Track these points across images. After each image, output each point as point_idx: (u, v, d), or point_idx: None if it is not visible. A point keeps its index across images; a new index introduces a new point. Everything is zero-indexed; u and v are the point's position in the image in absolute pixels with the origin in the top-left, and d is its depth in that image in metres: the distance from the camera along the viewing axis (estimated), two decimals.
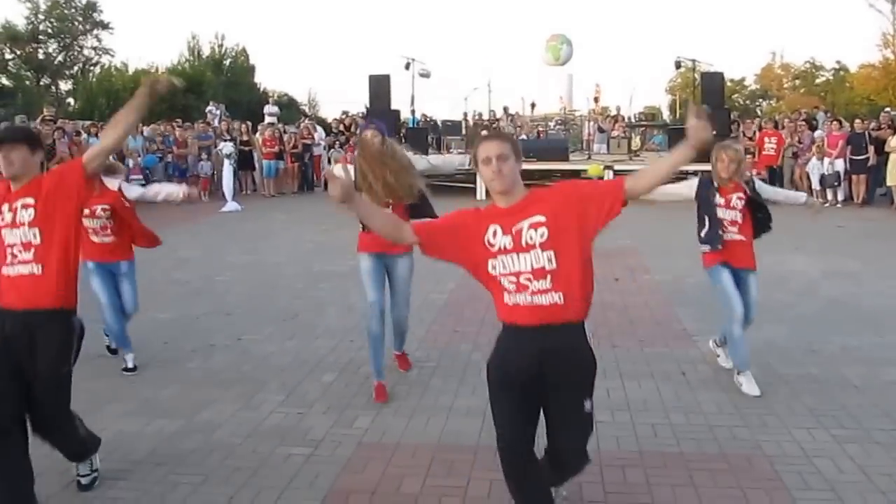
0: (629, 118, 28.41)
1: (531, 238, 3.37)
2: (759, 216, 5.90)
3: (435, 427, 4.97)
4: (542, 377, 3.40)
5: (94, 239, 6.25)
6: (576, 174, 19.46)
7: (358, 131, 6.17)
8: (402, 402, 5.44)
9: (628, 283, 9.34)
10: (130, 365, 6.29)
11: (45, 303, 3.79)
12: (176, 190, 6.58)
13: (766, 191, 6.13)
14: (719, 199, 5.80)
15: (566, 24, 58.29)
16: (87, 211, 6.04)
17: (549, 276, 3.37)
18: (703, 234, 5.86)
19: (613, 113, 28.99)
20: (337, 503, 4.03)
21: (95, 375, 6.04)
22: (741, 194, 5.78)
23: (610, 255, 11.06)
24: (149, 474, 4.35)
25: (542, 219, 3.38)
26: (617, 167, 19.00)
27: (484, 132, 3.45)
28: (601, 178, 18.37)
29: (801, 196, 6.28)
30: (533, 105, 29.99)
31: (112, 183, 6.38)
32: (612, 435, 4.84)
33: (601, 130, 24.98)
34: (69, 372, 3.92)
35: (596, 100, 30.32)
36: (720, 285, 5.79)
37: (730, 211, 5.81)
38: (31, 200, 3.79)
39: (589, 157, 21.40)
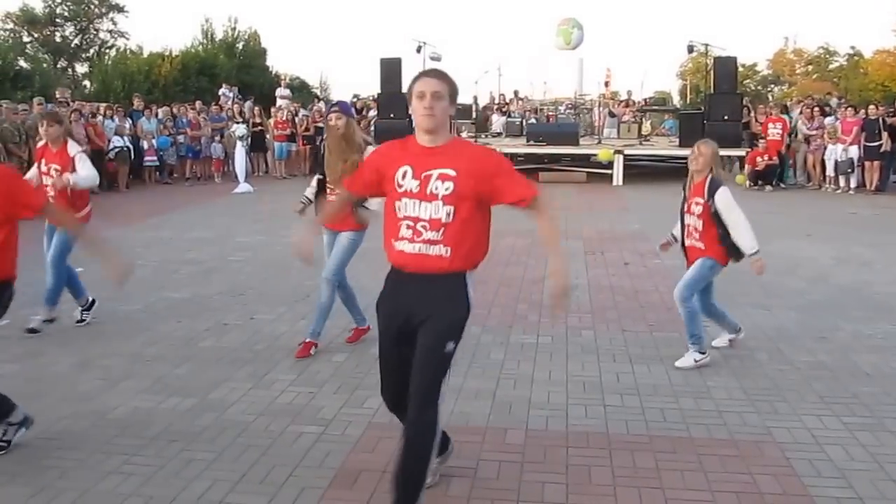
0: (640, 102, 28.29)
1: (436, 189, 3.44)
2: (720, 232, 5.67)
3: (444, 408, 4.95)
4: (414, 318, 3.50)
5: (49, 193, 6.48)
6: (586, 158, 19.41)
7: (325, 114, 6.48)
8: None
9: (638, 267, 9.30)
10: (43, 318, 6.59)
11: None
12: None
13: (725, 213, 5.63)
14: (685, 205, 5.89)
15: (577, 8, 57.90)
16: (44, 168, 6.51)
17: (442, 229, 3.45)
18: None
19: (624, 97, 28.87)
20: (347, 481, 4.03)
21: (110, 354, 6.06)
22: (699, 199, 5.70)
23: (620, 238, 11.05)
24: (163, 451, 4.35)
25: (451, 173, 3.44)
26: (627, 151, 18.94)
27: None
28: (611, 162, 18.34)
29: (749, 247, 5.59)
30: (545, 91, 29.89)
31: (73, 147, 6.61)
32: (621, 419, 4.83)
33: (612, 115, 24.90)
34: None
35: (606, 84, 30.22)
36: None
37: (690, 216, 5.83)
38: None
39: (599, 142, 21.34)
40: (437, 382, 3.49)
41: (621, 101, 27.54)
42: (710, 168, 5.70)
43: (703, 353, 5.80)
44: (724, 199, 5.59)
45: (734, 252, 5.69)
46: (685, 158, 6.32)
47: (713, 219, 5.63)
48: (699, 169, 5.72)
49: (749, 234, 5.56)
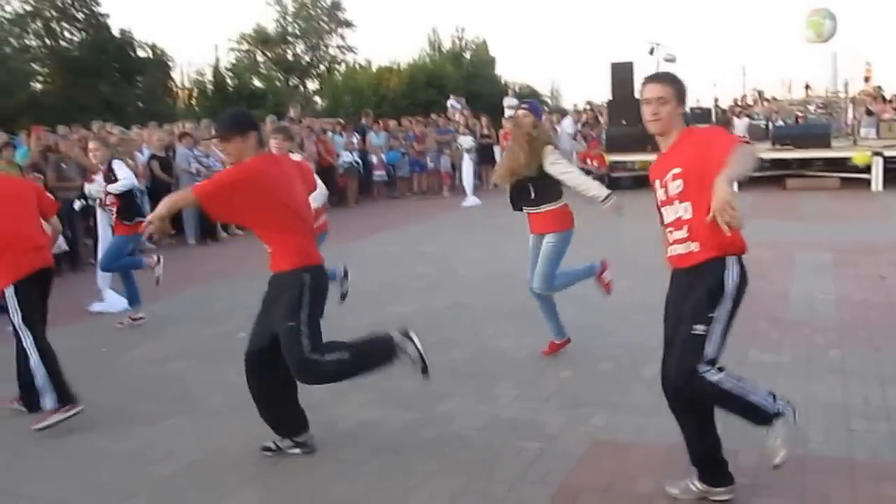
0: None
1: (672, 190, 3.65)
2: None
3: (672, 427, 4.94)
4: None
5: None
6: (840, 162, 18.44)
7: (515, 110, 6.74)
8: (639, 400, 5.48)
9: None
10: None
11: None
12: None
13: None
14: None
15: None
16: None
17: (685, 227, 3.65)
18: None
19: (886, 93, 27.16)
20: (568, 499, 4.16)
21: None
22: None
23: (876, 250, 10.47)
24: (387, 461, 4.69)
25: (678, 170, 3.61)
26: (887, 153, 17.81)
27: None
28: (868, 166, 17.33)
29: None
30: (808, 87, 28.65)
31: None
32: (866, 444, 4.65)
33: (870, 113, 23.48)
34: None
35: (867, 79, 28.57)
36: None
37: None
38: None
39: (854, 143, 20.17)
40: (686, 360, 3.92)
41: (882, 97, 25.92)
42: None
43: None
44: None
45: None
46: None
47: None
48: None
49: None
